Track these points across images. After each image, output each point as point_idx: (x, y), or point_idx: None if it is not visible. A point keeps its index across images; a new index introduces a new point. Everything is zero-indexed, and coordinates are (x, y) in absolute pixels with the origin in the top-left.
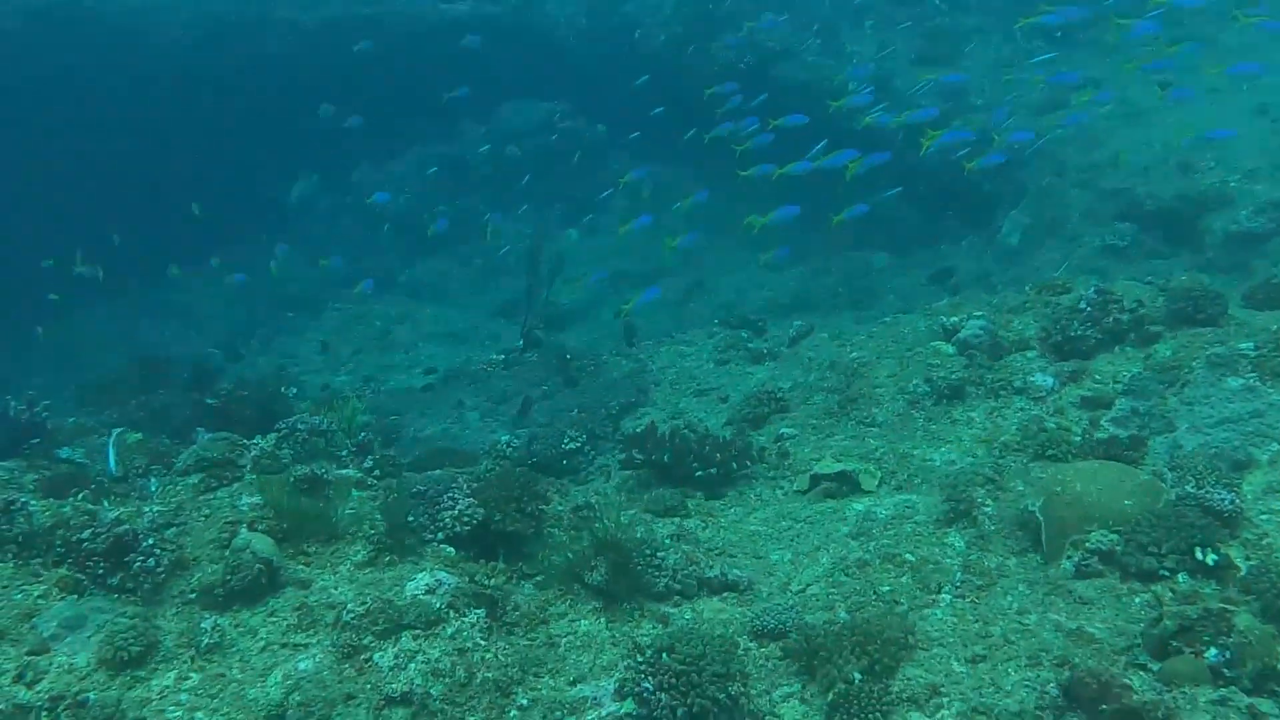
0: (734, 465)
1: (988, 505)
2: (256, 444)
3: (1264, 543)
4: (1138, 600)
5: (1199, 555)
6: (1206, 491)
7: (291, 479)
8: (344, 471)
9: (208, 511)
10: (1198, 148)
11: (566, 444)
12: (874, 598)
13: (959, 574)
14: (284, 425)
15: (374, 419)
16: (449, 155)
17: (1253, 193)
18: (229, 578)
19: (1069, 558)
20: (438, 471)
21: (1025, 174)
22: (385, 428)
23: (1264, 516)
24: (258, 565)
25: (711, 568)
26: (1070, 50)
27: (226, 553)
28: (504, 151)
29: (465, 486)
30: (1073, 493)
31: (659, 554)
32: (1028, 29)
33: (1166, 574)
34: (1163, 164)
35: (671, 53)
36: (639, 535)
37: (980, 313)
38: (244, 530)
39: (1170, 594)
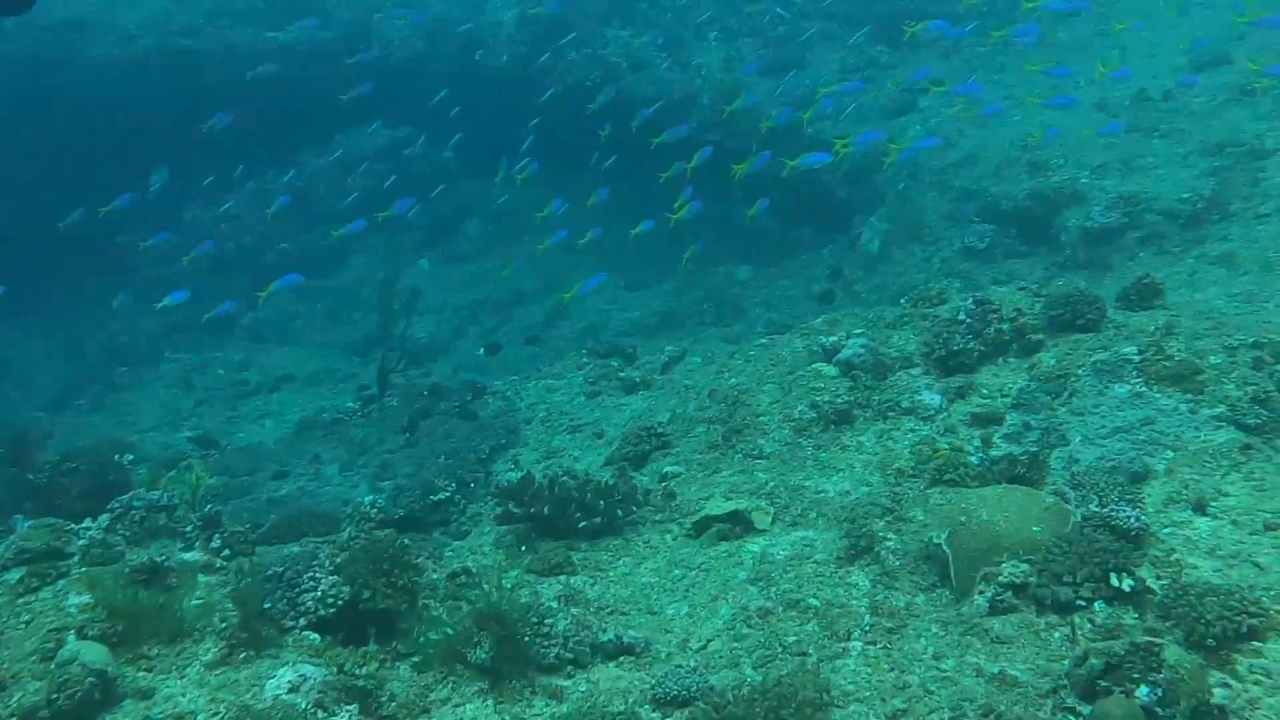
0: (619, 512)
1: (889, 539)
2: (86, 529)
3: (1172, 559)
4: (1057, 635)
5: (1114, 581)
6: (1111, 510)
7: (127, 570)
8: (188, 556)
9: (29, 617)
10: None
11: (435, 494)
12: (780, 650)
13: (867, 617)
14: (118, 504)
15: (223, 481)
16: (288, 188)
17: (1103, 188)
18: (55, 697)
19: (981, 593)
20: (295, 547)
21: (881, 179)
22: (236, 489)
23: (1168, 530)
24: (89, 679)
25: (605, 630)
26: (927, 53)
27: (52, 666)
28: (346, 182)
29: (328, 562)
30: (979, 522)
31: (547, 621)
32: (868, 36)
33: (1083, 604)
34: (1014, 163)
35: (516, 72)
36: (524, 601)
37: (860, 330)
38: (72, 638)
39: (1090, 625)
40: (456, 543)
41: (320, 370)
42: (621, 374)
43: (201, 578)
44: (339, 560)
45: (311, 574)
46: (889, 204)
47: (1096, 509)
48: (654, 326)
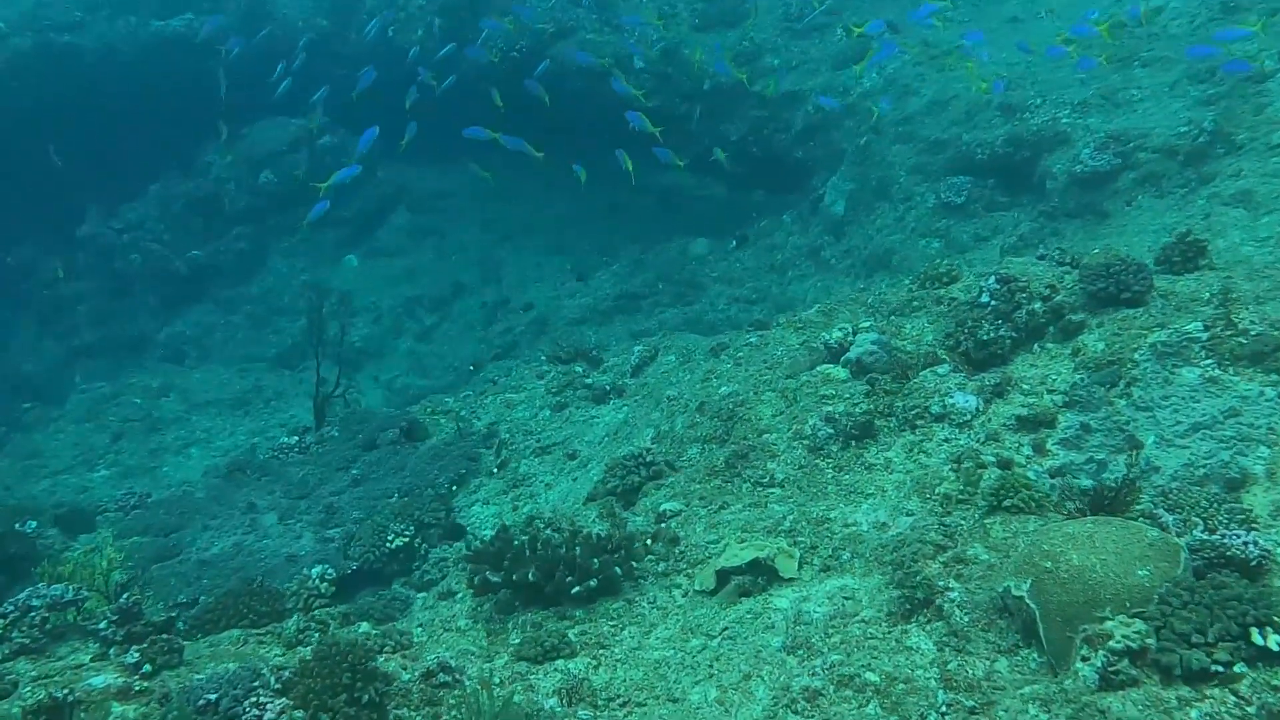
0: (617, 570)
1: (952, 589)
2: None
3: None
4: (1195, 714)
5: (1258, 638)
6: (1223, 537)
7: (19, 711)
8: (99, 679)
9: None
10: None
11: (391, 542)
12: None
13: (941, 693)
14: (11, 607)
15: (146, 541)
16: (194, 191)
17: (1087, 127)
18: None
19: (1085, 659)
20: (232, 663)
21: (840, 134)
22: (161, 550)
23: None
24: None
25: None
26: None
27: None
28: (258, 180)
29: (273, 679)
30: (1069, 568)
31: None
32: None
33: (1220, 669)
34: (985, 107)
35: (433, 47)
36: (517, 703)
37: (866, 322)
38: None
39: (1234, 700)
40: (421, 595)
41: (247, 389)
42: (588, 380)
43: (116, 708)
44: (286, 675)
45: (254, 699)
46: (851, 161)
47: (1203, 536)
48: (608, 312)
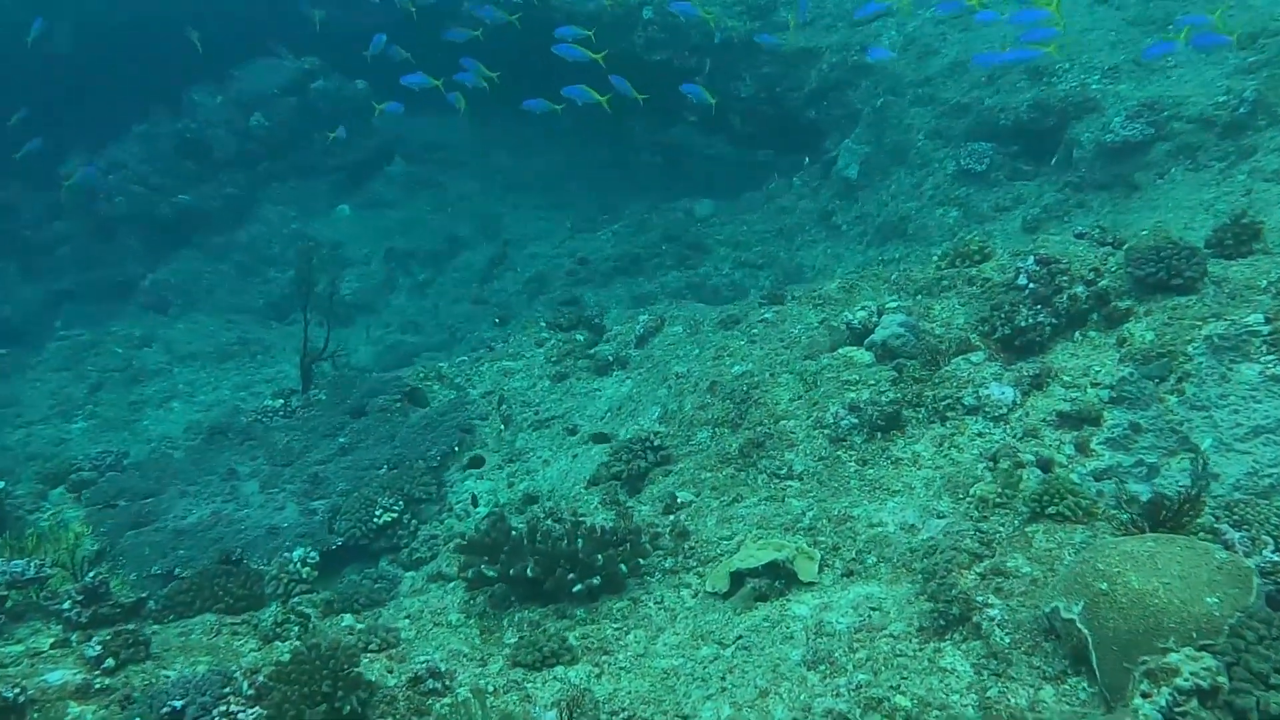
0: (623, 567)
1: (991, 604)
2: None
3: None
4: None
5: None
6: None
7: None
8: (56, 675)
9: None
10: None
11: (379, 517)
12: None
13: None
14: None
15: (119, 508)
16: (182, 133)
17: (1118, 94)
18: None
19: (1145, 695)
20: (202, 668)
21: (855, 95)
22: (135, 517)
23: None
24: None
25: None
26: None
27: None
28: (249, 123)
29: (245, 685)
30: (1128, 592)
31: None
32: None
33: None
34: (1010, 70)
35: None
36: (515, 717)
37: (892, 301)
38: None
39: None
40: (410, 574)
41: (233, 342)
42: (590, 351)
43: (73, 709)
44: (261, 680)
45: (224, 707)
46: (866, 123)
47: (1275, 558)
48: (609, 273)
